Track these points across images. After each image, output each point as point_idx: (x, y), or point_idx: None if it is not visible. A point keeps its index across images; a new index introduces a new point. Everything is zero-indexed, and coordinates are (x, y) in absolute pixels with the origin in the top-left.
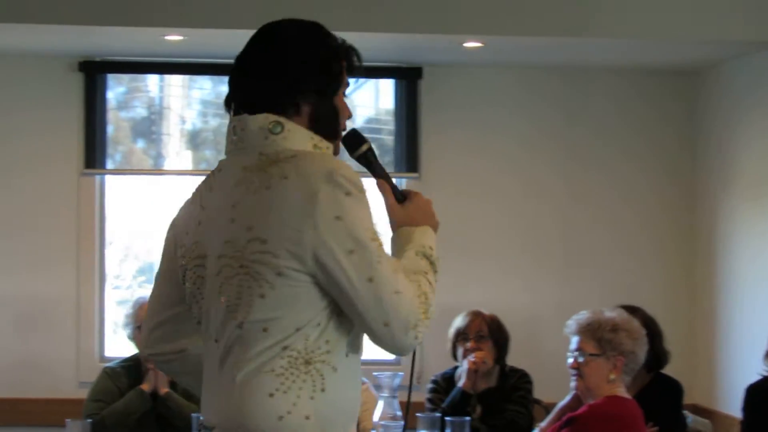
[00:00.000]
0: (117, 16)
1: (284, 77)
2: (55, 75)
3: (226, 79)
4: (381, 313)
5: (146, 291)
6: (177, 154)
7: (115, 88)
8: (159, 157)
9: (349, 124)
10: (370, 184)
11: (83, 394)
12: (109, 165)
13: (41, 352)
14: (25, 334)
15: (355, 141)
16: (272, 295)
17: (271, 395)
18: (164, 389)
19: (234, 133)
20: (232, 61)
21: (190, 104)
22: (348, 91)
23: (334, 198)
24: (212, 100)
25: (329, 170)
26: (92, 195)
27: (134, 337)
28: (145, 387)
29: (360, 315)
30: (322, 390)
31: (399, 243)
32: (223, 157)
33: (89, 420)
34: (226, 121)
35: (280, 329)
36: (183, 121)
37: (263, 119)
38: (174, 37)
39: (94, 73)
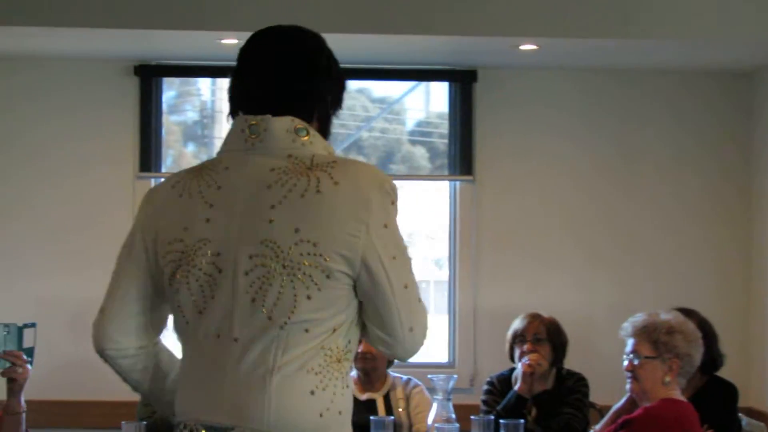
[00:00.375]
0: (172, 19)
1: (312, 85)
2: (111, 78)
3: None
4: (409, 318)
5: None
6: None
7: (167, 92)
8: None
9: (401, 129)
10: None
11: (137, 397)
12: (163, 168)
13: (95, 355)
14: (79, 336)
15: None
16: (318, 297)
17: (312, 393)
18: None
19: (252, 132)
20: None
21: None
22: (400, 94)
23: (383, 206)
24: None
25: (380, 179)
26: None
27: None
28: None
29: (390, 318)
30: (347, 386)
31: None
32: None
33: (143, 422)
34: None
35: (320, 330)
36: None
37: (289, 122)
38: (229, 41)
39: (150, 76)
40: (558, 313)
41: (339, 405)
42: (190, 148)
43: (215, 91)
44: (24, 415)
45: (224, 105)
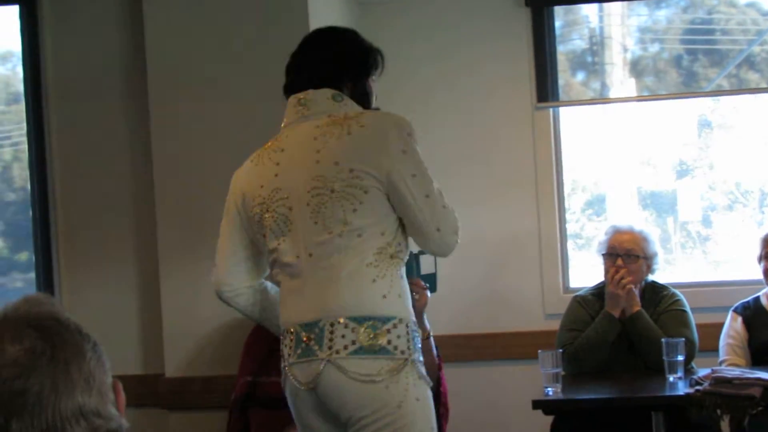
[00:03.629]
0: None
1: (339, 64)
2: (502, 11)
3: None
4: (435, 220)
5: (598, 224)
6: (621, 83)
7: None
8: (603, 87)
9: None
10: None
11: (549, 326)
12: (561, 97)
13: (509, 287)
14: (493, 269)
15: None
16: (362, 208)
17: (374, 281)
18: (636, 308)
19: (300, 104)
20: None
21: (630, 32)
22: None
23: (400, 137)
24: (649, 27)
25: (396, 118)
26: (547, 128)
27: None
28: (614, 311)
29: (418, 222)
30: (401, 277)
31: None
32: None
33: (560, 350)
34: (666, 47)
35: (370, 234)
36: (625, 50)
37: (328, 91)
38: None
39: (541, 6)
40: None
41: (397, 289)
42: (579, 77)
43: (603, 18)
44: (431, 339)
45: (613, 31)
